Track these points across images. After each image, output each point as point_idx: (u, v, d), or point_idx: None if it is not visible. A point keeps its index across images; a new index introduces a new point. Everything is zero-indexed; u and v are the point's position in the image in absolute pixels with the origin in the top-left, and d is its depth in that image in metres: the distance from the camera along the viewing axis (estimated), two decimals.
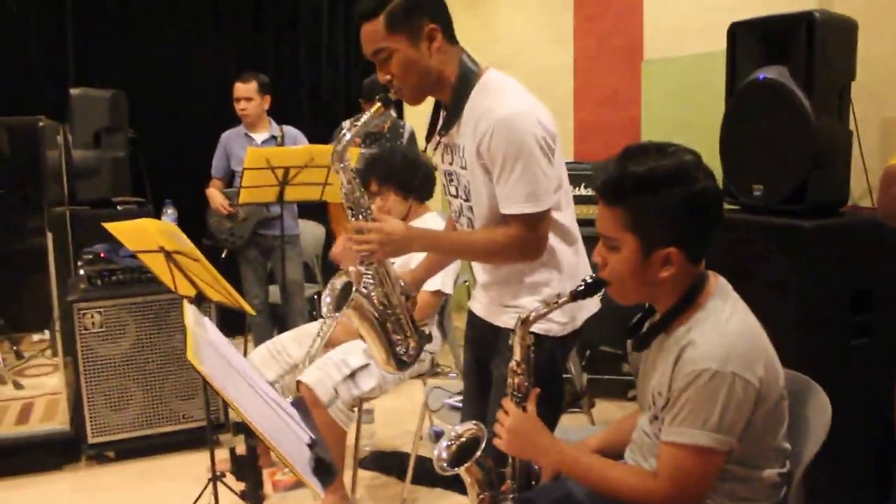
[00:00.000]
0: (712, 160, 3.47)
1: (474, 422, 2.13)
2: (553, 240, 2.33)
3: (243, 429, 3.61)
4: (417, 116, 5.26)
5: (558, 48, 5.98)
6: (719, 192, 1.86)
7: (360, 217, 2.32)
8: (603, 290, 1.95)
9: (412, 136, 5.32)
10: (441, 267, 2.83)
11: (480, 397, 2.53)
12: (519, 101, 2.25)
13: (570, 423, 3.37)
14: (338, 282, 2.49)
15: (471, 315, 2.62)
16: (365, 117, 2.34)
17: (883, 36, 3.64)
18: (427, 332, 2.54)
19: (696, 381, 1.71)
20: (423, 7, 2.26)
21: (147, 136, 5.65)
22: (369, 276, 2.42)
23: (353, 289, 2.40)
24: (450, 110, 2.33)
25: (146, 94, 6.03)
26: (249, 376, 2.08)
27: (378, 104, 2.29)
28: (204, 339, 1.99)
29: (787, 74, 3.35)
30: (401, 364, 2.51)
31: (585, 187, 4.67)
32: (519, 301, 2.37)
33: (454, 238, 2.49)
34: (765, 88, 3.42)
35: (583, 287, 1.91)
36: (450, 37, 2.30)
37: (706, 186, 1.79)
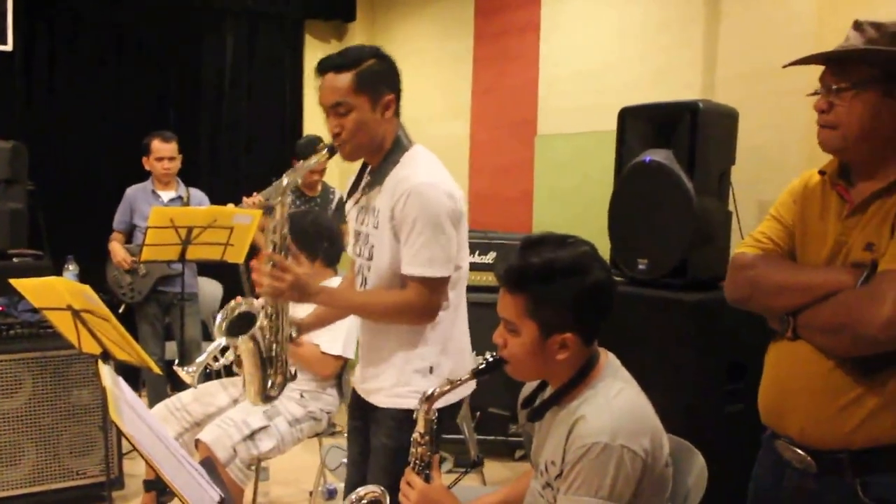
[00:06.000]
0: (600, 233, 3.76)
1: (376, 485, 2.21)
2: (444, 316, 2.48)
3: (156, 486, 3.65)
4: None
5: (456, 119, 6.25)
6: (612, 282, 2.01)
7: (282, 253, 2.43)
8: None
9: (341, 202, 5.47)
10: (328, 322, 2.90)
11: (363, 461, 2.63)
12: (435, 173, 2.43)
13: (463, 483, 3.51)
14: (237, 308, 2.55)
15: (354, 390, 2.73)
16: (311, 161, 2.46)
17: (761, 125, 3.95)
18: (293, 371, 2.60)
19: (588, 453, 1.82)
20: (389, 78, 2.46)
21: (46, 189, 5.63)
22: (270, 309, 2.50)
23: (258, 322, 2.47)
24: (375, 174, 2.49)
25: (46, 147, 6.00)
26: (163, 435, 2.17)
27: (325, 152, 2.43)
28: (122, 398, 2.08)
29: (672, 157, 3.60)
30: (267, 399, 2.58)
31: (479, 255, 4.89)
32: (409, 385, 2.48)
33: (352, 297, 2.59)
34: (651, 170, 3.65)
35: (483, 365, 2.04)
36: (397, 110, 2.50)
37: (600, 277, 1.94)
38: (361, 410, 2.67)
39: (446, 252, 2.39)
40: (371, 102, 2.41)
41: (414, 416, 2.13)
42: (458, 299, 2.54)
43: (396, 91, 2.49)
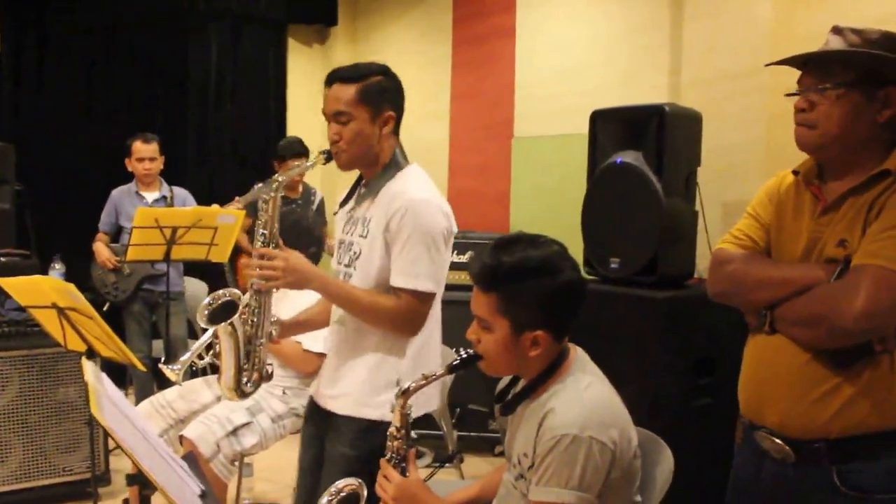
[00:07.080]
0: (575, 232, 3.86)
1: (354, 478, 2.21)
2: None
3: (138, 480, 3.71)
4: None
5: (436, 122, 6.34)
6: (582, 281, 2.08)
7: (270, 246, 2.46)
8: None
9: (321, 203, 5.54)
10: (311, 327, 2.93)
11: (317, 468, 2.64)
12: (431, 192, 2.51)
13: (442, 478, 3.58)
14: (222, 297, 2.59)
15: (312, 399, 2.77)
16: (306, 164, 2.57)
17: (725, 128, 4.07)
18: (270, 371, 2.63)
19: (558, 445, 1.88)
20: (392, 96, 2.54)
21: (34, 189, 5.69)
22: (253, 303, 2.54)
23: (238, 312, 2.50)
24: (370, 187, 2.56)
25: (34, 147, 6.06)
26: (144, 430, 2.25)
27: (322, 156, 2.51)
28: (104, 394, 2.16)
29: (642, 159, 3.69)
30: (242, 395, 2.59)
31: (457, 254, 4.97)
32: (375, 395, 2.50)
33: (345, 288, 2.54)
34: (621, 171, 3.75)
35: (458, 361, 2.09)
36: (397, 129, 2.57)
37: (571, 277, 2.01)
38: (318, 417, 2.68)
39: (436, 269, 2.45)
40: (371, 115, 2.48)
41: (392, 409, 2.16)
42: (433, 318, 2.58)
43: (398, 110, 2.56)
